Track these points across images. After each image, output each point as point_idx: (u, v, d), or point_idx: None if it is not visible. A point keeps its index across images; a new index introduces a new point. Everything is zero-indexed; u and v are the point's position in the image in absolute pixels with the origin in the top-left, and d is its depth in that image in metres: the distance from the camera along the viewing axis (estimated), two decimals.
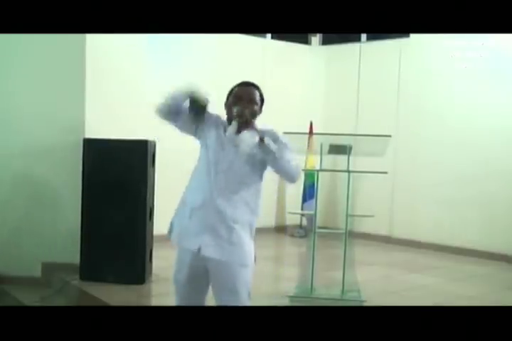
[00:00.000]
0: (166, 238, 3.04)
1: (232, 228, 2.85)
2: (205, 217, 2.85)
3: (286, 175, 2.96)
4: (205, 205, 2.85)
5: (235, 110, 2.85)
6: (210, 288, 2.97)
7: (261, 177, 2.96)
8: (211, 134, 2.92)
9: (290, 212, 7.52)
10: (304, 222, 7.96)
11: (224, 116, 2.98)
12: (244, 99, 2.90)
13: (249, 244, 2.91)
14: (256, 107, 2.93)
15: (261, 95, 2.98)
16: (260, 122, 2.95)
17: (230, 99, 2.96)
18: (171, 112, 2.90)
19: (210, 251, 2.84)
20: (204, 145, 2.95)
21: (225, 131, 2.89)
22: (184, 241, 2.93)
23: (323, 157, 4.90)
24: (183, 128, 2.99)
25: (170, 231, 3.03)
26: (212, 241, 2.84)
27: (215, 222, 2.84)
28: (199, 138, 2.98)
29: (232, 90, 2.99)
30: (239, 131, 2.82)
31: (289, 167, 2.89)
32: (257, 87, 2.99)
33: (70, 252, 5.24)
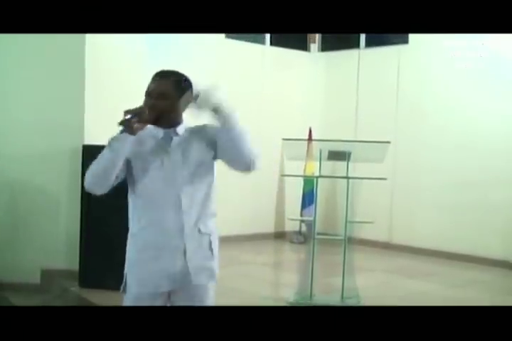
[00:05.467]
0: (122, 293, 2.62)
1: (213, 246, 2.63)
2: (180, 248, 2.52)
3: (240, 155, 2.49)
4: (177, 235, 2.51)
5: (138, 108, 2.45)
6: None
7: (213, 177, 2.63)
8: (142, 155, 2.53)
9: (289, 218, 7.51)
10: (304, 228, 7.95)
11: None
12: (152, 95, 2.50)
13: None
14: (168, 101, 2.50)
15: (178, 84, 2.52)
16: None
17: None
18: (103, 183, 2.47)
19: (199, 280, 2.57)
20: (138, 172, 2.53)
21: (164, 139, 2.55)
22: (160, 285, 2.55)
23: (323, 163, 4.91)
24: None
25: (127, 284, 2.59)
26: (199, 267, 2.57)
27: (194, 247, 2.55)
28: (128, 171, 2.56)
29: None
30: (169, 132, 2.55)
31: (246, 141, 2.48)
32: (171, 76, 2.53)
33: (69, 259, 5.23)
